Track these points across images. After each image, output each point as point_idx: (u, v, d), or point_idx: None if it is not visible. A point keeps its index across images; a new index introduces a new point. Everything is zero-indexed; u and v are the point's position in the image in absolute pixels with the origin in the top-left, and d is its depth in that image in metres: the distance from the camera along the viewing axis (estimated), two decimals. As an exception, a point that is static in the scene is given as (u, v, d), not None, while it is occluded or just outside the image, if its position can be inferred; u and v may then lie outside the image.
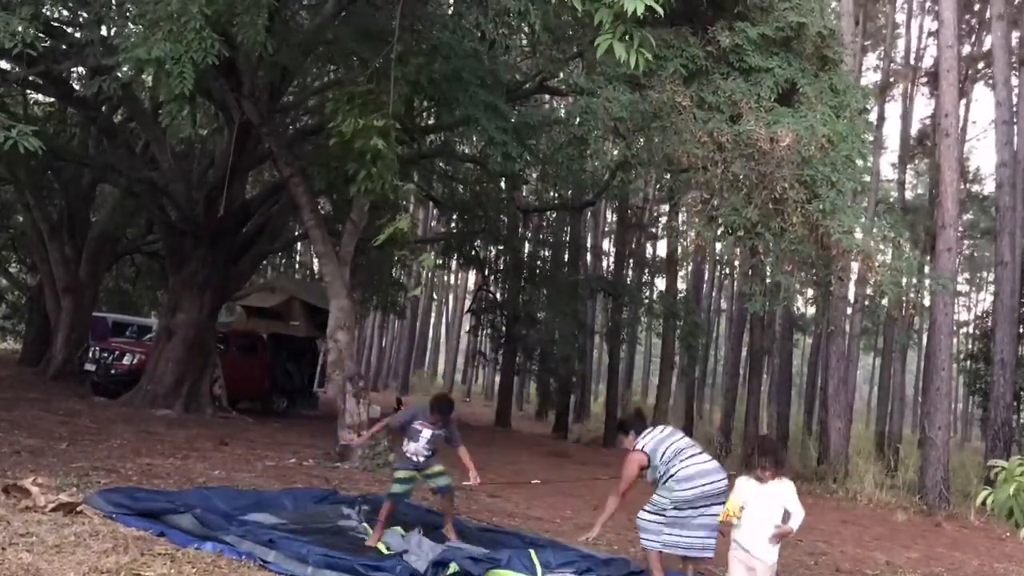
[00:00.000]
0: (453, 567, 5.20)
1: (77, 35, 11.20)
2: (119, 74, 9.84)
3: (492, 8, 9.29)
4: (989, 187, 28.89)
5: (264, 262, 22.21)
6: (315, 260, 22.68)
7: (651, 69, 7.44)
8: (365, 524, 6.36)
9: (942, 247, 15.09)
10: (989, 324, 22.37)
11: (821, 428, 19.68)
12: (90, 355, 15.56)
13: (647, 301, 23.21)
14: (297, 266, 29.96)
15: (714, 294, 35.54)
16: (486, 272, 22.82)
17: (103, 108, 15.05)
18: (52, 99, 17.01)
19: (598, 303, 27.97)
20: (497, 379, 28.88)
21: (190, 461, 8.90)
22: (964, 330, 35.26)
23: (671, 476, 5.54)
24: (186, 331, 14.17)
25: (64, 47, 11.15)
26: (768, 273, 11.75)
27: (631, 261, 26.04)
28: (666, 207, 25.16)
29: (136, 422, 11.42)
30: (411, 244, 16.29)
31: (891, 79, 27.00)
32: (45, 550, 4.69)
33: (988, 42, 22.41)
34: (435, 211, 27.41)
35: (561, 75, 15.56)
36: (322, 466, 9.76)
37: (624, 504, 5.82)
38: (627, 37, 4.47)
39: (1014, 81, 18.86)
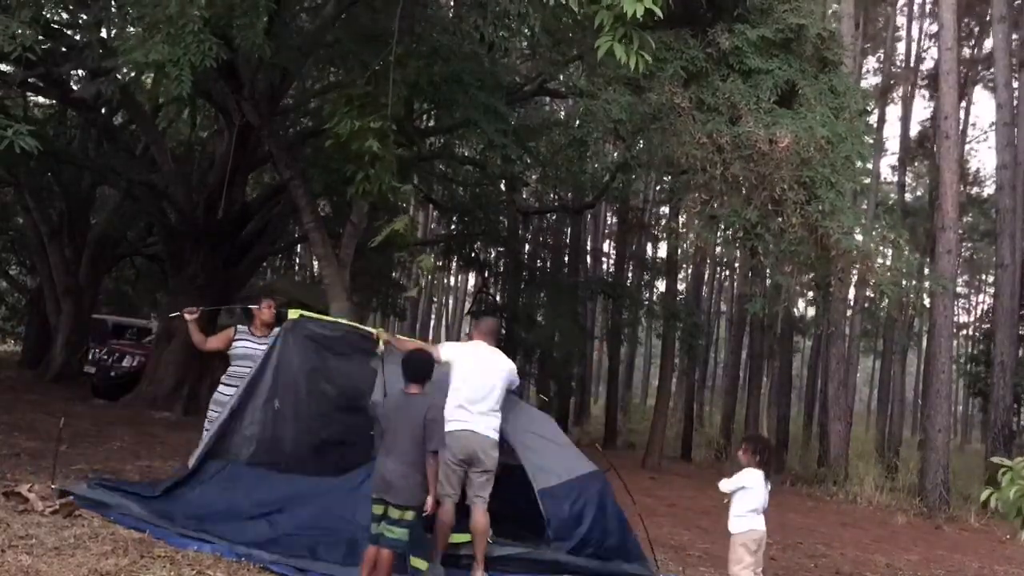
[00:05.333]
0: None
1: (76, 37, 11.21)
2: (118, 76, 9.85)
3: (492, 11, 9.29)
4: (989, 189, 28.93)
5: (264, 264, 22.21)
6: (315, 262, 22.69)
7: (651, 71, 7.44)
8: None
9: (942, 249, 15.09)
10: (989, 326, 22.37)
11: (821, 430, 19.67)
12: (90, 357, 15.55)
13: (647, 303, 23.18)
14: (297, 268, 29.97)
15: (714, 296, 35.53)
16: (486, 274, 22.79)
17: (103, 110, 15.05)
18: (52, 101, 17.02)
19: (598, 305, 27.94)
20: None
21: (189, 463, 8.89)
22: (964, 332, 35.26)
23: None
24: (186, 333, 14.14)
25: (64, 49, 11.15)
26: (768, 274, 11.77)
27: (631, 263, 26.02)
28: (666, 209, 25.17)
29: (136, 424, 11.42)
30: (410, 246, 16.32)
31: (891, 81, 27.03)
32: (44, 552, 4.69)
33: (988, 44, 22.46)
34: (435, 213, 27.42)
35: (561, 77, 15.59)
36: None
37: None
38: (627, 39, 4.47)
39: (1015, 83, 18.87)
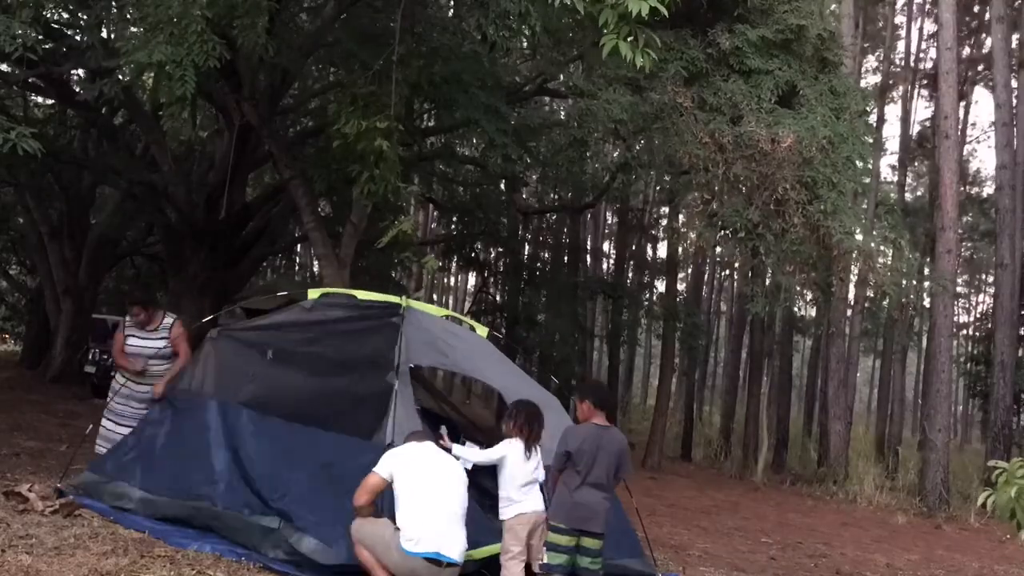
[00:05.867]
0: None
1: (77, 38, 11.20)
2: (120, 77, 9.84)
3: (492, 10, 9.29)
4: (989, 189, 28.94)
5: (264, 264, 22.20)
6: (315, 262, 22.69)
7: (652, 71, 7.46)
8: None
9: (942, 249, 15.09)
10: (989, 326, 22.37)
11: (821, 430, 19.67)
12: (90, 357, 15.53)
13: (647, 303, 23.19)
14: (297, 268, 29.95)
15: (714, 296, 35.53)
16: (486, 274, 22.80)
17: (103, 110, 15.04)
18: (52, 101, 17.00)
19: (598, 305, 27.94)
20: (497, 381, 28.70)
21: (190, 463, 8.88)
22: (964, 332, 35.25)
23: None
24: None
25: (64, 49, 11.14)
26: (769, 274, 11.78)
27: (631, 263, 26.03)
28: (666, 209, 25.16)
29: (136, 424, 11.38)
30: (413, 246, 16.33)
31: (891, 81, 27.03)
32: (44, 552, 4.69)
33: (988, 44, 22.45)
34: (435, 213, 27.42)
35: (561, 77, 15.59)
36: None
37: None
38: (632, 38, 4.46)
39: (1014, 83, 18.89)
